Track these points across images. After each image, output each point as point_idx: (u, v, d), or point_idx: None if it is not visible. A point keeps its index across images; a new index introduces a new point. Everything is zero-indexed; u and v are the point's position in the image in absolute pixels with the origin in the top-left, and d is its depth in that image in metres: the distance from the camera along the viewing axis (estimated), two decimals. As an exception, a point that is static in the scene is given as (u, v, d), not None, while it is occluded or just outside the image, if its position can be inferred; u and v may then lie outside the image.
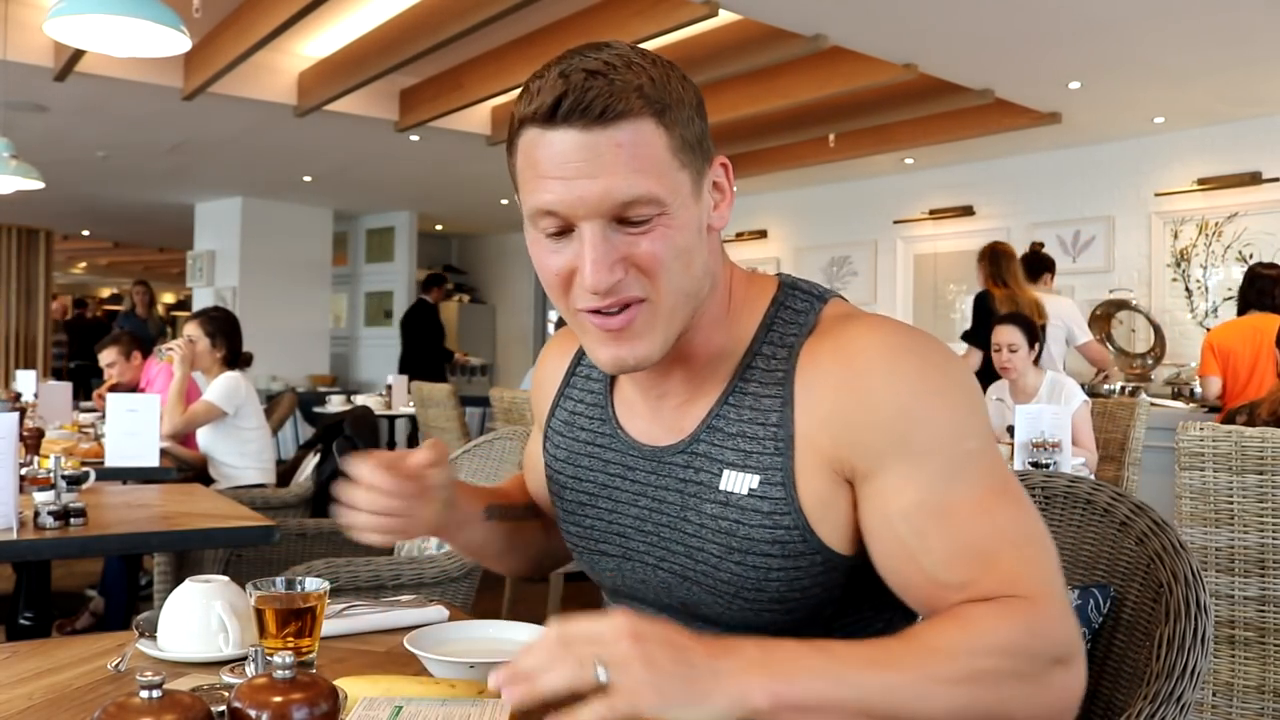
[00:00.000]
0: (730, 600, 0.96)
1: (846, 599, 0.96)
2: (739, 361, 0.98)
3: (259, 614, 1.05)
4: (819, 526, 0.92)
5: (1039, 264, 5.26)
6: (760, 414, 0.95)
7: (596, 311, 0.91)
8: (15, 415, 2.02)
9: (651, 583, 1.02)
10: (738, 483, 0.95)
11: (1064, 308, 5.00)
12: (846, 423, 0.90)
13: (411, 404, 6.38)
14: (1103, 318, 6.13)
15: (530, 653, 0.73)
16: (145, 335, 9.44)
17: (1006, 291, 5.26)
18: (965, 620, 0.80)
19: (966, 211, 7.09)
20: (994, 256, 5.39)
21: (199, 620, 1.17)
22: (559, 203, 0.87)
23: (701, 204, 0.93)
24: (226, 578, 1.22)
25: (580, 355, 1.15)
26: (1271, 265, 4.77)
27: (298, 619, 1.04)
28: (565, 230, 0.89)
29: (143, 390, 4.44)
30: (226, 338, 3.96)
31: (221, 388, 3.82)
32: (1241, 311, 4.73)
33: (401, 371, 7.87)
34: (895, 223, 7.50)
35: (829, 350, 0.94)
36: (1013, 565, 0.84)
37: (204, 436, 3.87)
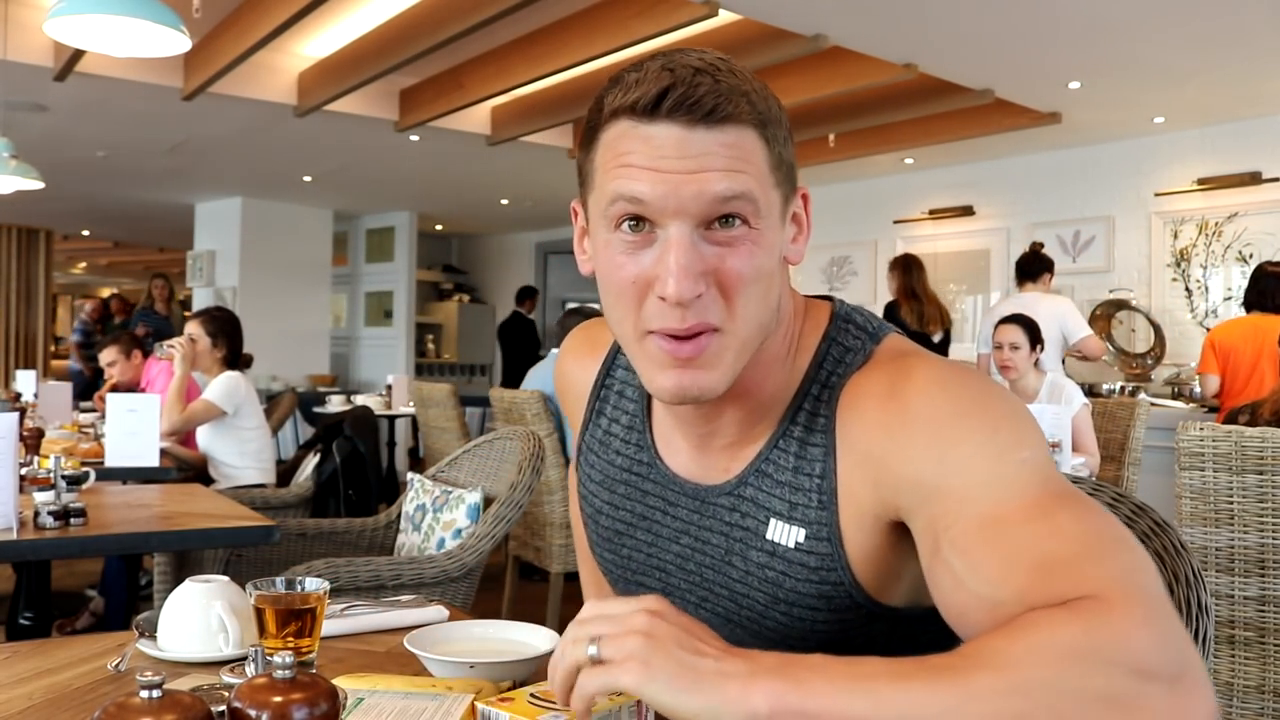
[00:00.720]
0: (776, 645, 0.91)
1: (891, 647, 0.90)
2: (789, 403, 0.93)
3: (259, 614, 1.05)
4: (867, 581, 0.88)
5: (1037, 264, 5.23)
6: (807, 463, 0.90)
7: (669, 335, 0.83)
8: (15, 415, 2.02)
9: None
10: (784, 534, 0.90)
11: (1059, 307, 4.98)
12: (881, 464, 0.84)
13: (411, 404, 6.38)
14: (1102, 318, 6.12)
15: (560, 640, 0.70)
16: (168, 331, 9.45)
17: (916, 303, 5.29)
18: (1015, 626, 0.65)
19: (966, 211, 7.10)
20: (905, 267, 5.43)
21: (199, 620, 1.17)
22: (650, 193, 0.80)
23: (785, 232, 0.88)
24: (226, 578, 1.22)
25: (611, 365, 1.08)
26: (1278, 264, 4.76)
27: (298, 619, 1.04)
28: (642, 228, 0.82)
29: (143, 390, 4.44)
30: (228, 338, 3.96)
31: (221, 387, 3.82)
32: (1247, 310, 4.73)
33: (504, 384, 8.08)
34: (895, 223, 7.50)
35: (864, 395, 0.88)
36: (1080, 566, 0.70)
37: (203, 436, 3.87)
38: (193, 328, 3.95)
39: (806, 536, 0.89)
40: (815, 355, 0.93)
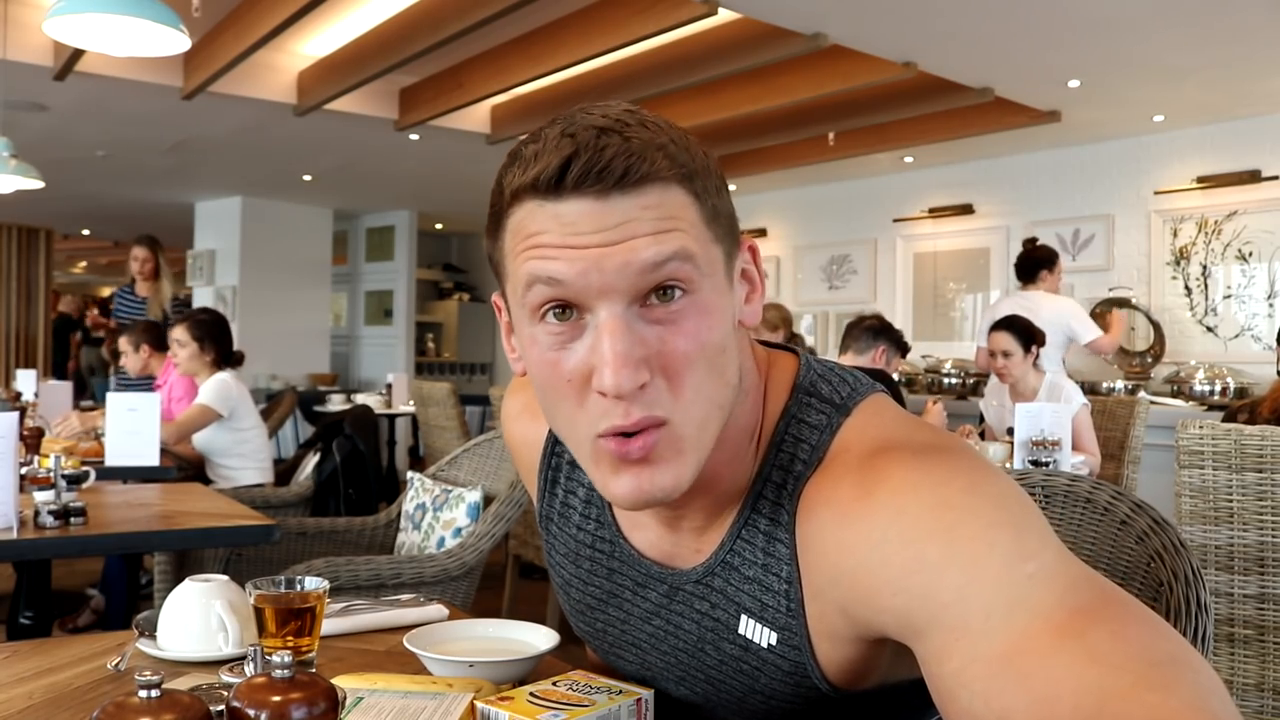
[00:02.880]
0: None
1: (876, 714, 0.86)
2: (749, 490, 0.82)
3: (259, 613, 1.05)
4: (845, 683, 0.81)
5: (1030, 264, 5.06)
6: (774, 562, 0.80)
7: (618, 434, 0.72)
8: (15, 415, 2.02)
9: (674, 692, 0.93)
10: (757, 633, 0.82)
11: (1062, 310, 4.89)
12: (852, 591, 0.73)
13: (411, 403, 6.39)
14: (1102, 316, 6.12)
15: None
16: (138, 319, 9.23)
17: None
18: None
19: (966, 210, 7.09)
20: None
21: (199, 619, 1.17)
22: (568, 272, 0.69)
23: (735, 293, 0.78)
24: (226, 577, 1.22)
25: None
26: None
27: (297, 618, 1.04)
28: (568, 315, 0.72)
29: (158, 387, 4.39)
30: (214, 340, 3.88)
31: (213, 390, 3.78)
32: None
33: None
34: (895, 221, 7.50)
35: (826, 504, 0.76)
36: (1137, 698, 0.56)
37: (200, 438, 3.85)
38: (178, 333, 3.88)
39: (779, 641, 0.81)
40: (774, 435, 0.82)
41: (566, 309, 0.72)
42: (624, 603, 0.93)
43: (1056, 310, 4.83)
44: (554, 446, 0.98)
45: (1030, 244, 5.25)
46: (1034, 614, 0.62)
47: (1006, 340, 3.85)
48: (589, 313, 0.71)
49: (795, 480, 0.79)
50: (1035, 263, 5.07)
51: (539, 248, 0.71)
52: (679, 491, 0.75)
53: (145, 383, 4.63)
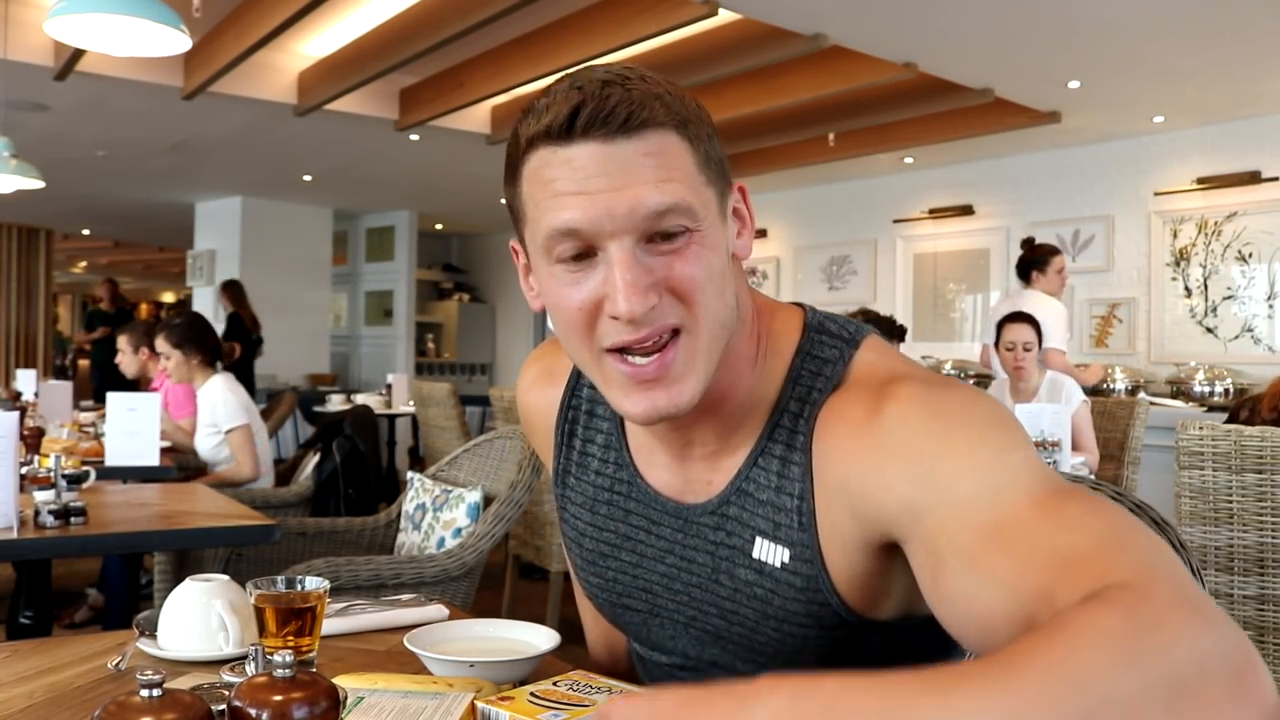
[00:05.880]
0: (769, 660, 0.91)
1: (887, 658, 0.91)
2: (767, 417, 0.90)
3: (259, 613, 1.05)
4: (855, 601, 0.87)
5: (1022, 265, 4.91)
6: (788, 483, 0.88)
7: (626, 351, 0.81)
8: (15, 414, 2.02)
9: (681, 637, 0.97)
10: (770, 553, 0.88)
11: (1047, 310, 4.68)
12: (862, 493, 0.82)
13: (411, 403, 6.39)
14: (1100, 317, 6.13)
15: None
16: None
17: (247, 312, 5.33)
18: (1051, 625, 0.57)
19: (966, 211, 7.10)
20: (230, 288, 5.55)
21: (199, 619, 1.17)
22: (583, 219, 0.78)
23: (727, 229, 0.86)
24: (227, 576, 1.22)
25: (575, 386, 1.05)
26: None
27: (298, 618, 1.04)
28: (586, 255, 0.81)
29: (154, 389, 4.38)
30: (195, 343, 3.82)
31: (224, 407, 3.69)
32: None
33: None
34: (895, 222, 7.50)
35: (840, 420, 0.85)
36: (1102, 556, 0.64)
37: (201, 440, 3.84)
38: (160, 345, 3.83)
39: (791, 558, 0.87)
40: (790, 369, 0.91)
41: (582, 254, 0.80)
42: (638, 544, 0.98)
43: (1044, 312, 4.75)
44: (570, 399, 1.05)
45: (1027, 244, 5.15)
46: (1020, 492, 0.72)
47: (1028, 332, 3.84)
48: (601, 250, 0.80)
49: (812, 405, 0.88)
50: (1025, 264, 4.98)
51: (556, 196, 0.79)
52: (690, 405, 0.83)
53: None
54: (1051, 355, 4.69)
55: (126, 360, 4.62)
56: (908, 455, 0.78)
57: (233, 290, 7.82)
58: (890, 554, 0.83)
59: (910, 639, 0.90)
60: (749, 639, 0.91)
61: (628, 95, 0.79)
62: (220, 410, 3.72)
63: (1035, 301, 4.80)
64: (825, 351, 0.90)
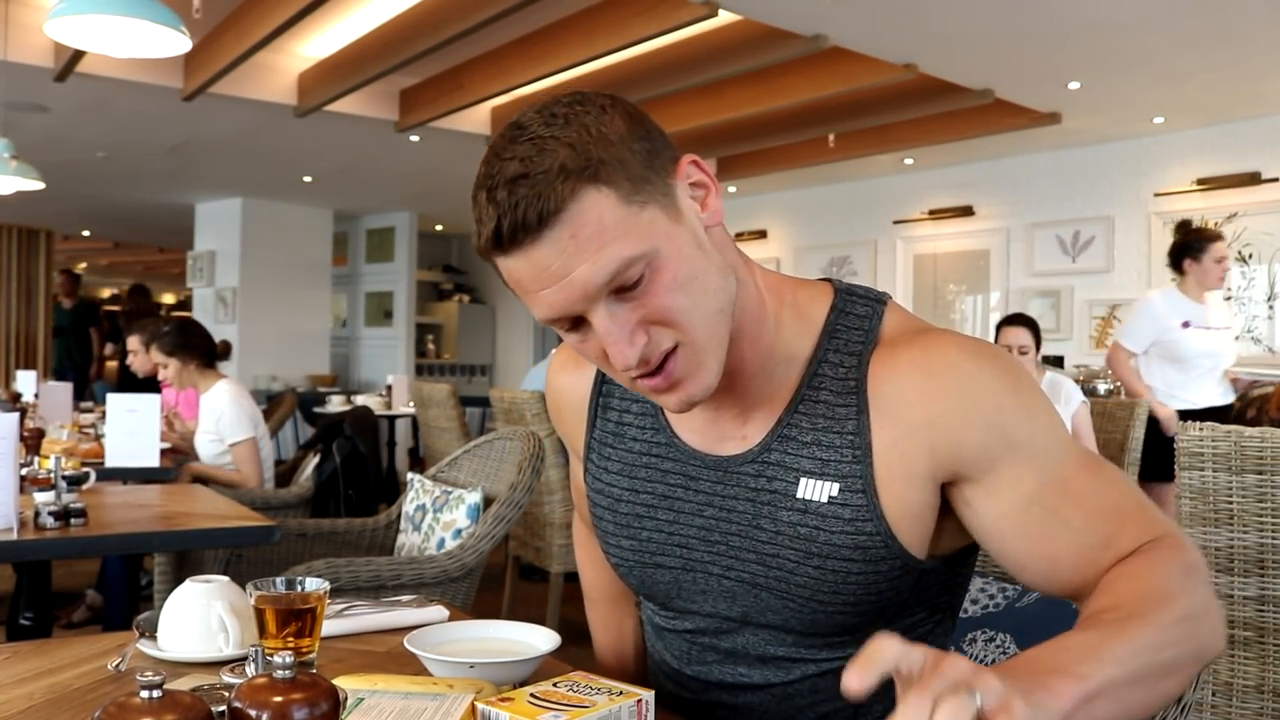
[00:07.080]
0: (804, 604, 0.96)
1: (910, 601, 0.98)
2: (805, 368, 0.98)
3: (259, 614, 1.05)
4: (901, 533, 0.93)
5: (1177, 250, 4.24)
6: (835, 422, 0.95)
7: (643, 375, 0.90)
8: (15, 415, 2.02)
9: (713, 592, 1.02)
10: (816, 490, 0.95)
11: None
12: (946, 429, 0.91)
13: (411, 404, 6.39)
14: (1100, 317, 6.13)
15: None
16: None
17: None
18: (1138, 572, 0.83)
19: (966, 211, 7.10)
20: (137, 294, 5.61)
21: (199, 620, 1.17)
22: (553, 311, 0.87)
23: (685, 219, 0.89)
24: (227, 578, 1.22)
25: None
26: None
27: (298, 619, 1.04)
28: (580, 321, 0.88)
29: (166, 386, 4.36)
30: (187, 347, 3.78)
31: (229, 415, 3.66)
32: None
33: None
34: (895, 223, 7.51)
35: (906, 362, 0.94)
36: (1139, 514, 0.89)
37: (202, 446, 3.81)
38: (154, 356, 3.81)
39: (840, 490, 0.94)
40: (826, 324, 0.99)
41: (576, 322, 0.89)
42: (675, 502, 1.04)
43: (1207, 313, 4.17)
44: (603, 376, 1.11)
45: (1183, 227, 4.45)
46: (1070, 454, 0.91)
47: (1025, 335, 3.82)
48: (586, 316, 0.88)
49: (858, 356, 0.96)
50: (1178, 251, 4.25)
51: (525, 294, 0.87)
52: (712, 388, 0.92)
53: None
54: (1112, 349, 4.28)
55: (139, 360, 4.61)
56: (990, 406, 0.90)
57: (137, 296, 7.95)
58: (939, 494, 0.94)
59: (925, 581, 0.98)
60: (787, 580, 0.96)
61: (532, 189, 0.81)
62: (226, 421, 3.67)
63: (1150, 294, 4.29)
64: (859, 309, 0.99)
